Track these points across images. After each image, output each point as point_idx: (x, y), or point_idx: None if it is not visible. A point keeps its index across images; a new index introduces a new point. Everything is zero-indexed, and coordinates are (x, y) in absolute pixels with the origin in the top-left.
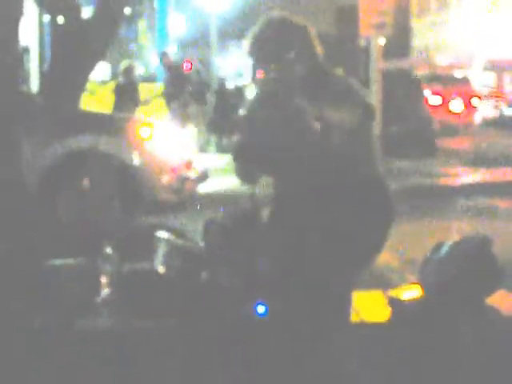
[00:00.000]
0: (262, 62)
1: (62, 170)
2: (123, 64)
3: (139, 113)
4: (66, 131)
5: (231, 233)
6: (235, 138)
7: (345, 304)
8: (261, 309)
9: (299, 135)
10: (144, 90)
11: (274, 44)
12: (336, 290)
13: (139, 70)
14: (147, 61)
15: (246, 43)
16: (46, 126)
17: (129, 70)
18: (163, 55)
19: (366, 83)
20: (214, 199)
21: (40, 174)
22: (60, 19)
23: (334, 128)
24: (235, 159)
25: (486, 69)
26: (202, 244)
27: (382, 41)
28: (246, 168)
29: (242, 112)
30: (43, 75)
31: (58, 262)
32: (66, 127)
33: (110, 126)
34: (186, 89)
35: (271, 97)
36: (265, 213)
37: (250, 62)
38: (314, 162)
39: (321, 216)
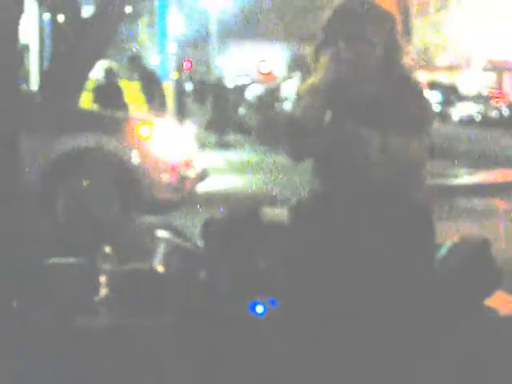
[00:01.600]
0: (337, 36)
1: (62, 169)
2: (103, 65)
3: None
4: (65, 130)
5: (231, 232)
6: (286, 113)
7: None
8: (259, 308)
9: (356, 118)
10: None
11: (357, 19)
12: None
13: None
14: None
15: (324, 16)
16: (46, 124)
17: (109, 71)
18: (132, 60)
19: None
20: (213, 198)
21: (39, 173)
22: (60, 18)
23: (394, 117)
24: (285, 133)
25: (486, 69)
26: (201, 243)
27: None
28: (294, 143)
29: (300, 86)
30: (43, 74)
31: (57, 260)
32: (66, 126)
33: (110, 124)
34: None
35: (337, 75)
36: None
37: (323, 35)
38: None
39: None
